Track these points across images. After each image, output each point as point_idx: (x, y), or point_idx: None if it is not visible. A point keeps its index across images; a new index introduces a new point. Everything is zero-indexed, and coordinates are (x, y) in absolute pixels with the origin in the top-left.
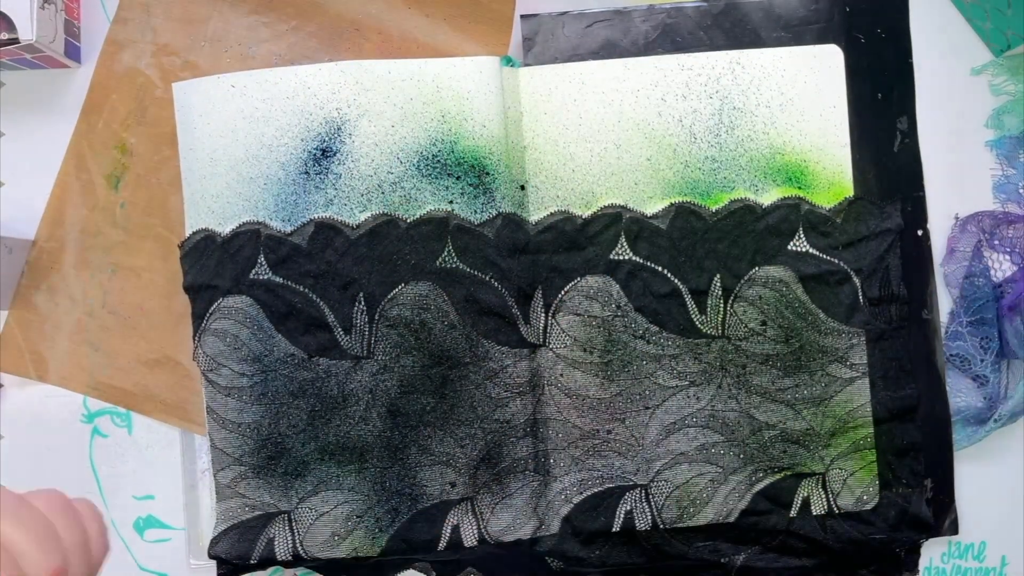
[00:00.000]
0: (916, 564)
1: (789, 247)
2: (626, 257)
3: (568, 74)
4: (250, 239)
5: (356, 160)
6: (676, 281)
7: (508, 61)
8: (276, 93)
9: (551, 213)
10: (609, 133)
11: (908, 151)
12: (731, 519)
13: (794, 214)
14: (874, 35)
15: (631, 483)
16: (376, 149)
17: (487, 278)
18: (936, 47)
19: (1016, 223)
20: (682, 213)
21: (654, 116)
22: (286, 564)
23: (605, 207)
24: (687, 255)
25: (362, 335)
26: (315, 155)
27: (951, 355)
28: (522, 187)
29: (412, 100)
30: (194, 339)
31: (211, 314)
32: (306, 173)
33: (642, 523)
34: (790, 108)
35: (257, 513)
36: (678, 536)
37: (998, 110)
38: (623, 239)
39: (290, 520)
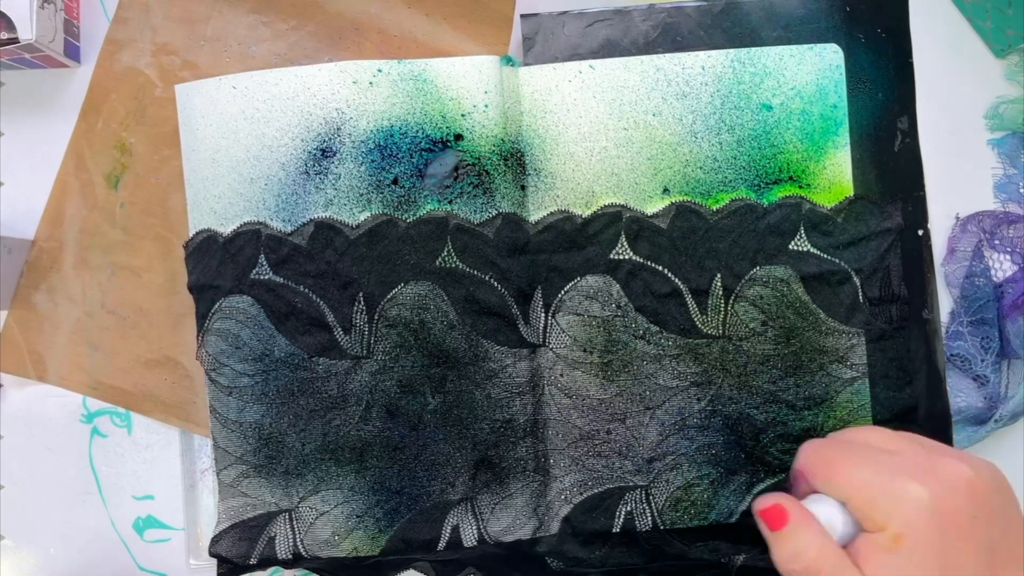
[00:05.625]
0: None
1: (790, 246)
2: (626, 257)
3: (568, 74)
4: (251, 239)
5: (356, 160)
6: (677, 281)
7: (508, 61)
8: (277, 94)
9: (551, 213)
10: (609, 133)
11: (908, 151)
12: (732, 520)
13: (795, 213)
14: (874, 35)
15: (631, 484)
16: (376, 149)
17: (487, 278)
18: (936, 47)
19: (1017, 223)
20: (682, 212)
21: (654, 115)
22: (286, 564)
23: (605, 206)
24: (688, 255)
25: (361, 335)
26: (315, 155)
27: (951, 355)
28: (522, 187)
29: (412, 100)
30: (198, 339)
31: (213, 314)
32: (306, 173)
33: (642, 524)
34: (790, 107)
35: (259, 512)
36: (678, 536)
37: (997, 103)
38: (623, 238)
39: (291, 519)
